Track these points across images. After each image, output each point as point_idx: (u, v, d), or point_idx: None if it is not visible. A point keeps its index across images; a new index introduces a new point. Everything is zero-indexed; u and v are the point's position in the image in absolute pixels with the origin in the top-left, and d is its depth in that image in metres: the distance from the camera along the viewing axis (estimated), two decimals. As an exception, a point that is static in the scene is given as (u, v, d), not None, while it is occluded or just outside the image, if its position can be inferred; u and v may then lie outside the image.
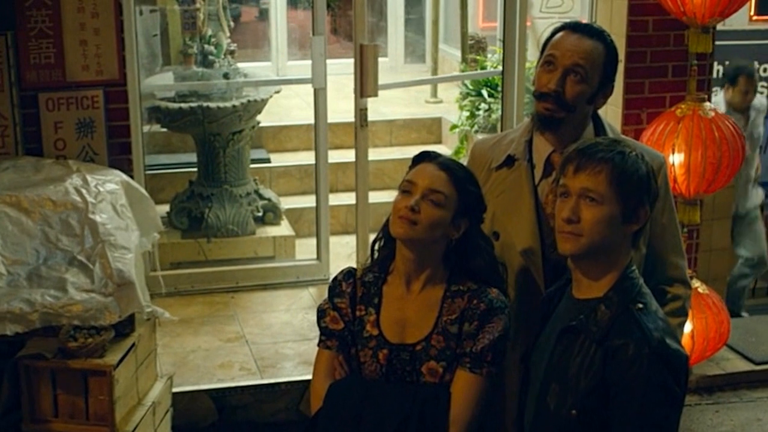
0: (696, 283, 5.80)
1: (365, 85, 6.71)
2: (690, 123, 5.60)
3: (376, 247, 3.36)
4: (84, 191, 5.10)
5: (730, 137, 5.60)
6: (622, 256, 2.91)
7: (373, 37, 11.68)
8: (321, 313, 3.35)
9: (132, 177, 5.77)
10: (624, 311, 2.84)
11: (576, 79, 3.37)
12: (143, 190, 5.64)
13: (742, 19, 9.93)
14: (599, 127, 3.53)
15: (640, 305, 2.85)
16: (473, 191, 3.25)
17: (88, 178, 5.22)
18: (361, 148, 6.94)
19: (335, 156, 7.71)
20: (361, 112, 6.80)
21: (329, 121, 7.32)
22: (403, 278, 3.24)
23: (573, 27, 3.45)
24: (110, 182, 5.29)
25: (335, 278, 3.38)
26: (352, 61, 6.77)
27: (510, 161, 3.54)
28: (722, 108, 7.53)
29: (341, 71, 7.12)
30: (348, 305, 3.30)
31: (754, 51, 8.73)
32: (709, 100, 5.97)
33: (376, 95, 6.80)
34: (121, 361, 4.78)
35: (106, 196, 5.15)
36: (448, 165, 3.24)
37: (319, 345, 3.34)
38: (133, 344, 4.94)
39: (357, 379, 3.25)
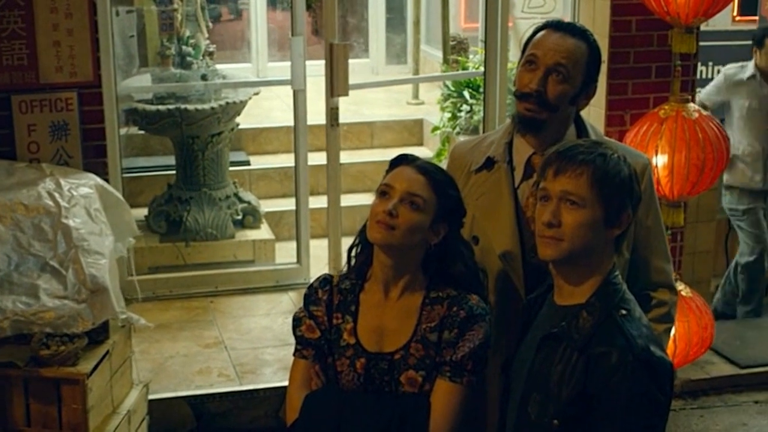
0: (680, 286, 5.73)
1: (336, 84, 6.69)
2: (673, 124, 5.53)
3: (353, 253, 3.27)
4: (57, 195, 5.02)
5: (714, 139, 5.55)
6: (605, 261, 2.85)
7: (354, 38, 11.84)
8: (296, 322, 3.27)
9: (107, 180, 5.70)
10: (607, 318, 2.77)
11: (558, 79, 3.29)
12: (118, 194, 5.57)
13: (725, 20, 9.94)
14: (581, 128, 3.46)
15: (624, 311, 2.79)
16: (453, 195, 3.18)
17: (62, 182, 5.14)
18: (332, 149, 6.90)
19: (315, 158, 7.64)
20: (332, 111, 6.77)
21: (309, 122, 7.26)
22: (381, 285, 3.16)
23: (555, 26, 3.37)
24: (84, 186, 5.21)
25: (311, 285, 3.30)
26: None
27: (490, 163, 3.46)
28: (750, 71, 7.45)
29: (321, 72, 7.10)
30: (324, 313, 3.22)
31: (736, 52, 8.69)
32: (693, 100, 5.91)
33: (346, 95, 6.78)
34: (94, 369, 4.72)
35: (79, 201, 5.07)
36: (426, 168, 3.15)
37: (294, 354, 3.26)
38: (108, 352, 4.87)
39: (334, 390, 3.17)
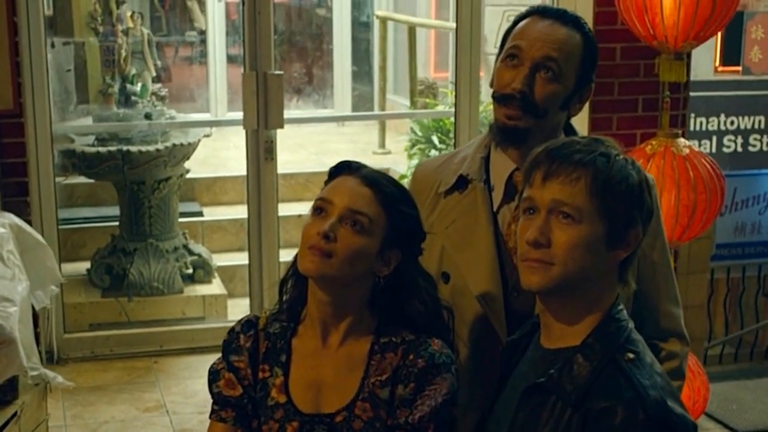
0: (671, 344, 5.30)
1: (270, 116, 6.45)
2: (661, 161, 5.09)
3: (285, 288, 2.66)
4: (-37, 235, 4.55)
5: (707, 177, 5.11)
6: (606, 293, 2.30)
7: (318, 88, 12.08)
8: (213, 376, 2.65)
9: (30, 222, 5.28)
10: (609, 363, 2.23)
11: (547, 77, 2.71)
12: (39, 236, 5.09)
13: (707, 70, 9.73)
14: None
15: (631, 355, 2.24)
16: (408, 213, 2.57)
17: (-31, 220, 4.67)
18: (267, 183, 6.59)
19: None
20: (266, 144, 6.51)
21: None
22: (318, 328, 2.56)
23: (542, 12, 2.80)
24: (-4, 226, 4.73)
25: (232, 330, 2.68)
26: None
27: (462, 183, 2.87)
28: None
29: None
30: (248, 365, 2.61)
31: (719, 103, 8.42)
32: (684, 136, 5.46)
33: (281, 127, 6.54)
34: (-2, 433, 4.30)
35: (-11, 241, 4.59)
36: (374, 179, 2.55)
37: (211, 417, 2.65)
38: (16, 413, 4.47)
39: (259, 461, 2.58)
